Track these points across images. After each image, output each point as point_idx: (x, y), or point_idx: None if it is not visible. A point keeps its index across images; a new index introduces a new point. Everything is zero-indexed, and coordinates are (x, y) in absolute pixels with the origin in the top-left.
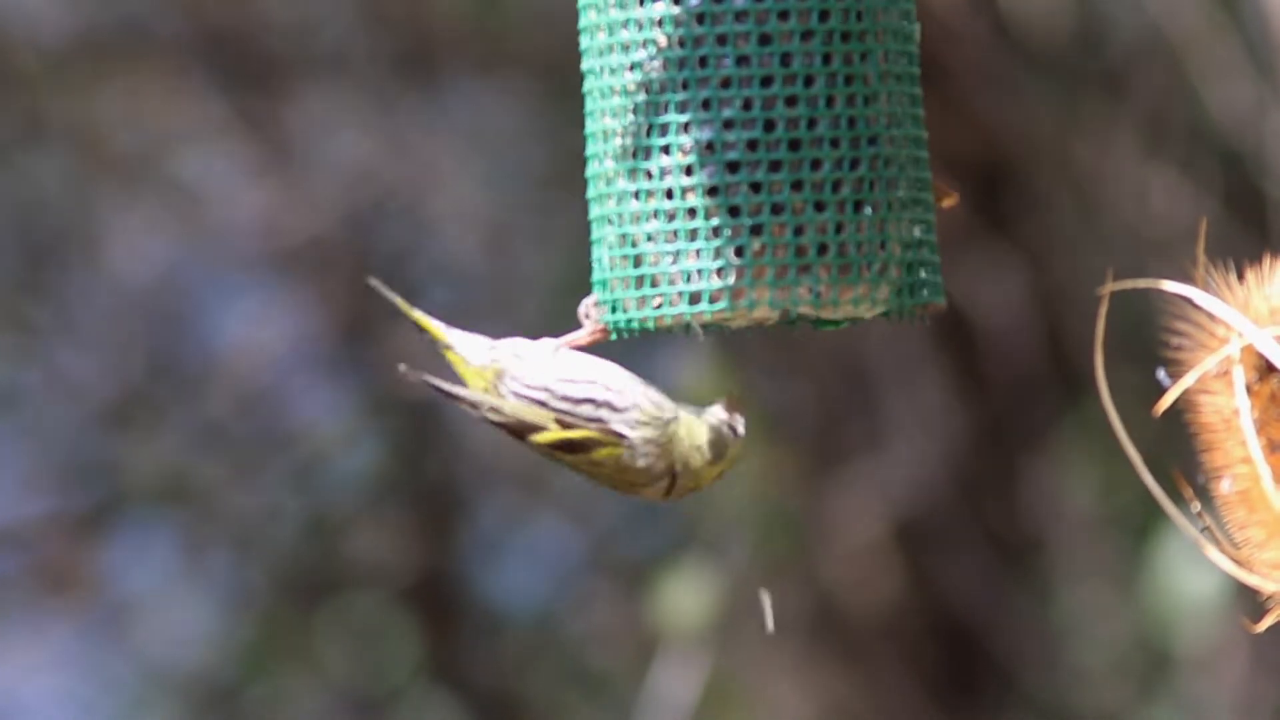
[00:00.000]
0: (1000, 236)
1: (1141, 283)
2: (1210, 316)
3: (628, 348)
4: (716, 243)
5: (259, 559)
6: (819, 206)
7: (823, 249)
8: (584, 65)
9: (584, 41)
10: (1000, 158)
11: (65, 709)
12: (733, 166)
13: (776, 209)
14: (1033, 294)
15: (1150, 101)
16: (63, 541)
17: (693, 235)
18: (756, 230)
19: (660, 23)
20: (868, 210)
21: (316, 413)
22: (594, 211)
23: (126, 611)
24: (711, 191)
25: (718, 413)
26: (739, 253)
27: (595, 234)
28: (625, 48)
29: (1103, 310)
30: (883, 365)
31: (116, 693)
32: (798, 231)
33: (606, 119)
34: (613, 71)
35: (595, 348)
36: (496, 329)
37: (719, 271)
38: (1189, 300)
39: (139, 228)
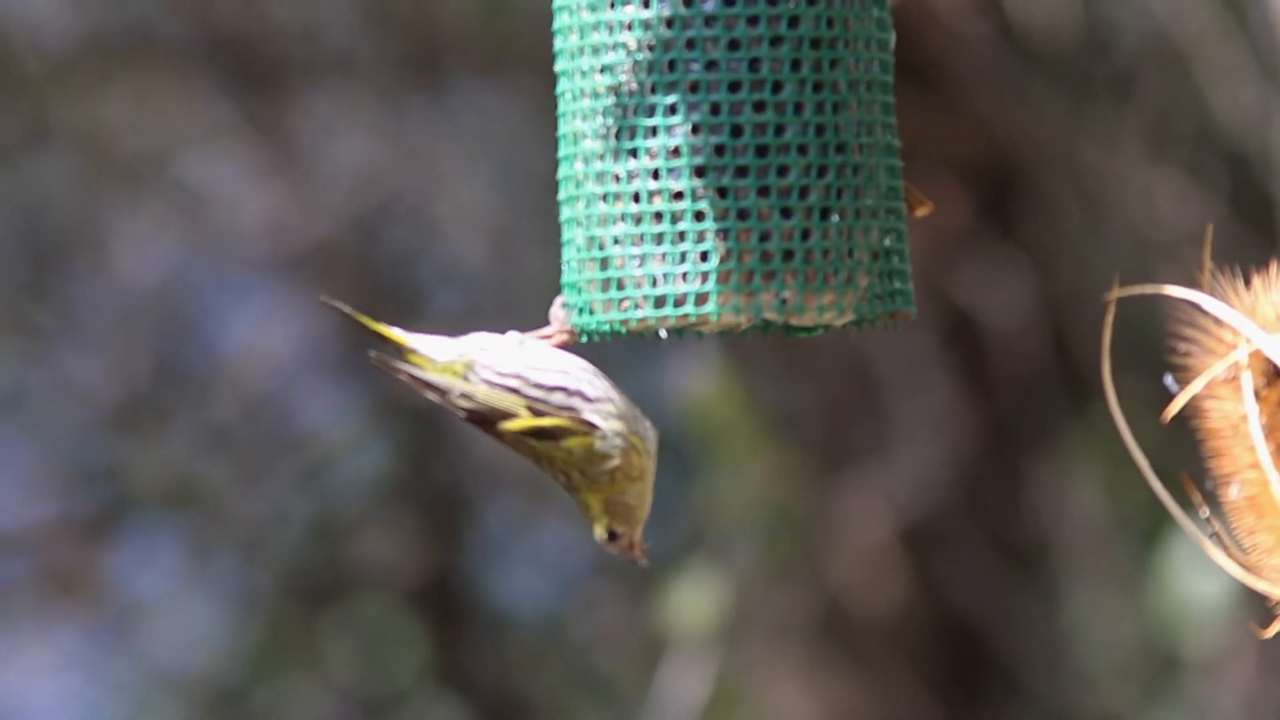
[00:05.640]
0: (1007, 240)
1: (1148, 288)
2: (1217, 321)
3: (633, 350)
4: (682, 247)
5: (265, 562)
6: (785, 213)
7: (788, 256)
8: (557, 67)
9: (557, 43)
10: (1007, 161)
11: (72, 711)
12: (699, 171)
13: (743, 215)
14: (1039, 298)
15: (1156, 105)
16: (69, 545)
17: (659, 239)
18: (722, 235)
19: (630, 26)
20: (835, 218)
21: (323, 416)
22: (564, 214)
23: (133, 614)
24: (677, 196)
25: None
26: (704, 257)
27: (565, 236)
28: (596, 50)
29: (1109, 315)
30: (889, 368)
31: (123, 695)
32: (763, 238)
33: (577, 121)
34: (584, 74)
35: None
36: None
37: (684, 276)
38: (1196, 305)
39: (145, 231)
